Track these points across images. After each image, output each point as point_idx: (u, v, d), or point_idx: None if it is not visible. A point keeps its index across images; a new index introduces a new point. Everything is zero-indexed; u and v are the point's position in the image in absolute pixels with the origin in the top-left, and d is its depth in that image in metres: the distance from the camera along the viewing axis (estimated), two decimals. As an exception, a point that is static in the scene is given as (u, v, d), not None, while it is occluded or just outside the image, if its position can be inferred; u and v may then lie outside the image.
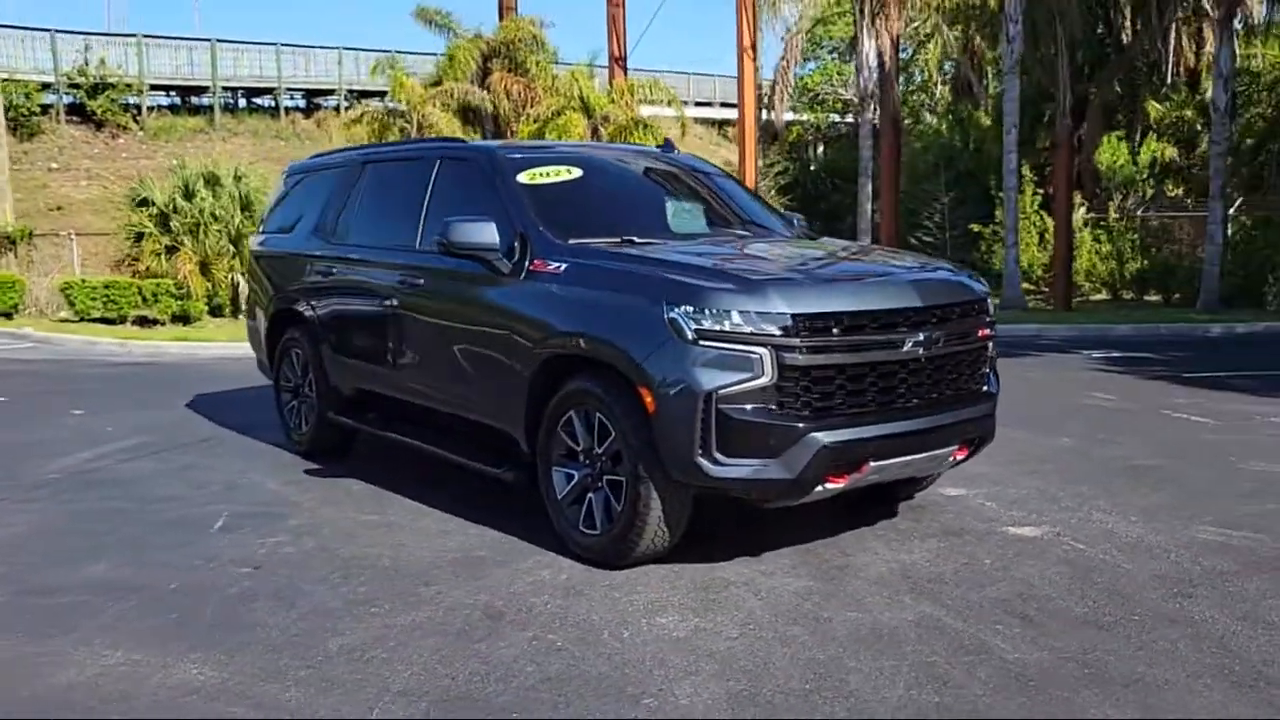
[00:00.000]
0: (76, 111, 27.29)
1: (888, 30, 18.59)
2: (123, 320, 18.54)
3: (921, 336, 4.63)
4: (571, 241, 5.15)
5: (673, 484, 4.55)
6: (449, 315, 5.64)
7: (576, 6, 57.66)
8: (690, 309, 4.39)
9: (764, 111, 28.53)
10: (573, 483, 4.93)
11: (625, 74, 20.94)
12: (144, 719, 3.44)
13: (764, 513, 5.41)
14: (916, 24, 25.91)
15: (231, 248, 20.94)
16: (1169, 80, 25.14)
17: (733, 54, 20.14)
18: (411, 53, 24.52)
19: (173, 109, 31.44)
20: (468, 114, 18.45)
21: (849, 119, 34.79)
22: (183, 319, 19.49)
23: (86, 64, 27.27)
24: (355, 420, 6.57)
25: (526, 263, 5.13)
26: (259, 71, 32.75)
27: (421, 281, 5.82)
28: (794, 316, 4.36)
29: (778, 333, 4.35)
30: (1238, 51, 20.91)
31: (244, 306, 8.45)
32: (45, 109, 26.42)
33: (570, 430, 4.92)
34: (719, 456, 4.37)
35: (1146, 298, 21.74)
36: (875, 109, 18.83)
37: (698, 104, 38.03)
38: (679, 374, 4.38)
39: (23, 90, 25.36)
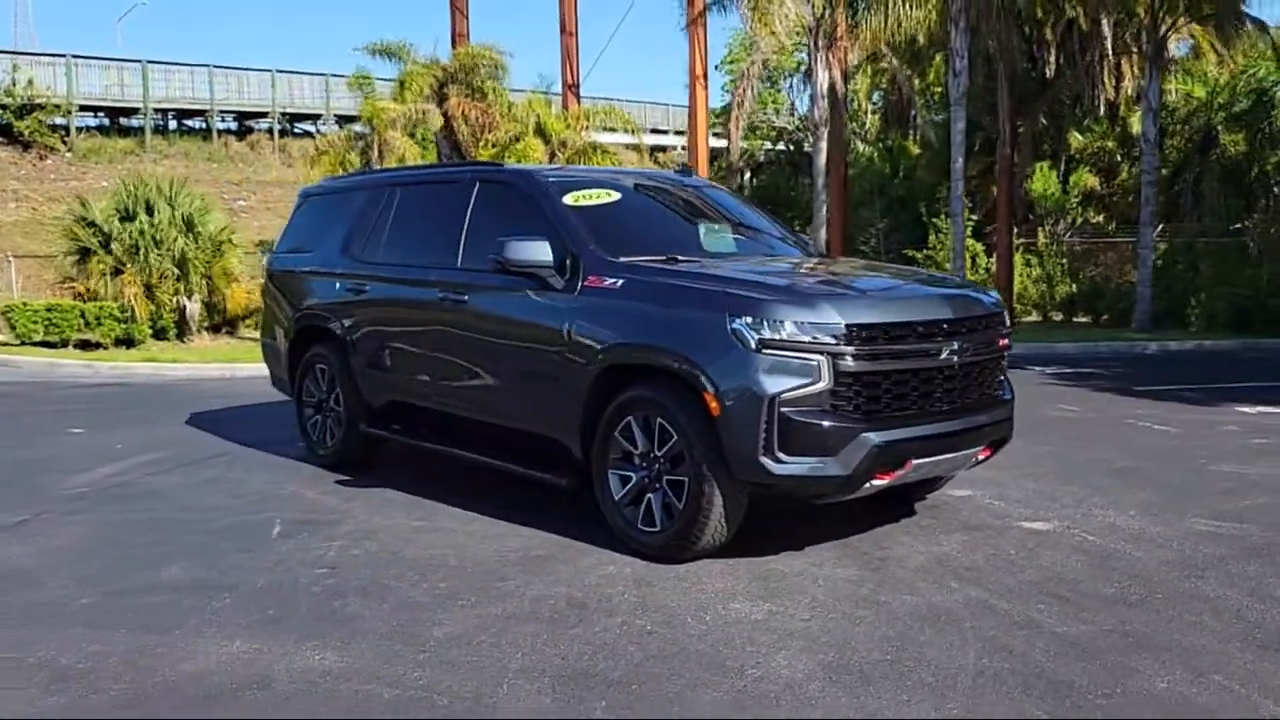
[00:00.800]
0: (3, 132, 26.89)
1: (839, 62, 19.34)
2: (64, 344, 18.31)
3: (955, 345, 5.09)
4: (622, 259, 5.51)
5: (733, 482, 4.92)
6: (496, 330, 5.95)
7: (526, 32, 58.61)
8: (752, 320, 4.78)
9: (716, 139, 29.23)
10: (630, 485, 5.27)
11: (579, 101, 21.42)
12: (292, 696, 3.69)
13: (803, 512, 5.81)
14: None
15: (176, 270, 20.87)
16: (1091, 112, 26.37)
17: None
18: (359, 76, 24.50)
19: (102, 130, 31.07)
20: (426, 138, 18.68)
21: (779, 147, 35.74)
22: (126, 342, 19.33)
23: (14, 84, 26.84)
24: (390, 432, 6.81)
25: (580, 279, 5.47)
26: (191, 93, 32.53)
27: (465, 298, 6.12)
28: (847, 326, 4.78)
29: (833, 341, 4.76)
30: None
31: (260, 326, 8.59)
32: (-30, 130, 26.02)
33: (628, 435, 5.26)
34: (780, 456, 4.75)
35: (1075, 319, 22.73)
36: (825, 137, 19.52)
37: (653, 131, 38.77)
38: (743, 380, 4.76)
39: (-55, 110, 24.95)
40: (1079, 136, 26.47)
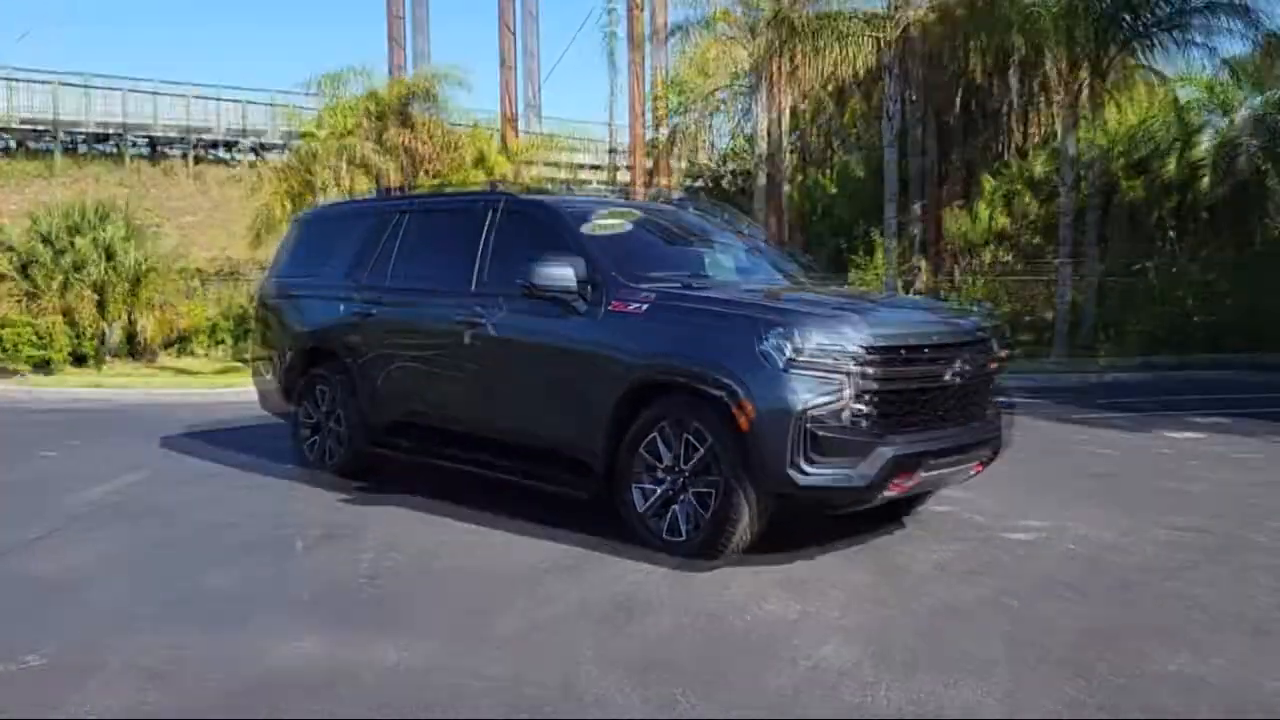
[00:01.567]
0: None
1: (778, 105, 20.09)
2: (-23, 370, 18.12)
3: (957, 365, 5.55)
4: (644, 284, 5.85)
5: (760, 492, 5.28)
6: (519, 350, 6.23)
7: (462, 59, 59.09)
8: (781, 341, 5.16)
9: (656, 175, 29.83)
10: (654, 496, 5.59)
11: (517, 134, 21.82)
12: (384, 687, 3.90)
13: (805, 525, 6.18)
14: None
15: (96, 296, 20.66)
16: (999, 157, 27.68)
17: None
18: (289, 96, 24.46)
19: (7, 151, 30.40)
20: (367, 169, 18.84)
21: (699, 182, 36.52)
22: (43, 367, 19.13)
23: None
24: (398, 449, 7.00)
25: (605, 303, 5.79)
26: (103, 116, 31.94)
27: (483, 320, 6.37)
28: (867, 347, 5.19)
29: (854, 360, 5.17)
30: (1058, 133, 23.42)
31: (251, 349, 8.68)
32: None
33: (653, 449, 5.58)
34: (806, 467, 5.13)
35: (994, 352, 23.68)
36: (765, 173, 20.24)
37: (592, 168, 39.06)
38: (773, 396, 5.13)
39: None
40: (990, 180, 27.74)
